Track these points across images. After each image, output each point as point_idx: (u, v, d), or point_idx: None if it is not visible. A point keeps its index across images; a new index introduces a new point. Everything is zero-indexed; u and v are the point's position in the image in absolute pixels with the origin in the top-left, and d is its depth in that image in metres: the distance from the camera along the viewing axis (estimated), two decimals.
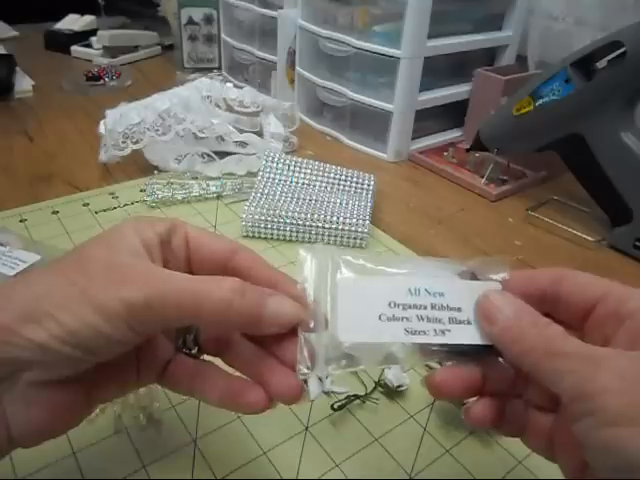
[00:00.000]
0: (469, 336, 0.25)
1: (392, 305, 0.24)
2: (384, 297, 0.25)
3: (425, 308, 0.25)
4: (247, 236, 0.56)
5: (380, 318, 0.24)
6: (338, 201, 0.58)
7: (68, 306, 0.22)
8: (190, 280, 0.24)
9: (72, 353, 0.22)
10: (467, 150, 0.73)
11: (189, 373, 0.28)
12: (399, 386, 0.38)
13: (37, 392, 0.23)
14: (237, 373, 0.28)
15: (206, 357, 0.29)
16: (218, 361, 0.28)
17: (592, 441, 0.20)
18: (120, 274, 0.23)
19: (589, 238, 0.59)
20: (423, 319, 0.24)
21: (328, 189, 0.61)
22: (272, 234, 0.56)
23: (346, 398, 0.37)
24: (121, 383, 0.27)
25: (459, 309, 0.25)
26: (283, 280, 0.27)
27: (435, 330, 0.24)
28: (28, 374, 0.23)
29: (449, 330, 0.25)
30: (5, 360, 0.22)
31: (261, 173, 0.61)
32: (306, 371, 0.24)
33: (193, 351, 0.28)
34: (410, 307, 0.25)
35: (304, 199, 0.58)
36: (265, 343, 0.27)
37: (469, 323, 0.25)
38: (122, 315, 0.22)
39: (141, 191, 0.63)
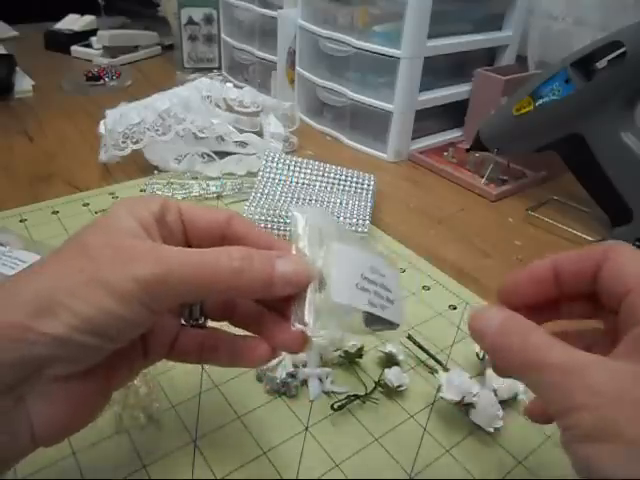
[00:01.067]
0: (395, 314, 0.27)
1: (363, 277, 0.26)
2: (360, 269, 0.27)
3: (377, 285, 0.27)
4: None
5: (357, 286, 0.26)
6: (338, 201, 0.58)
7: (80, 293, 0.21)
8: (198, 253, 0.23)
9: (90, 342, 0.22)
10: (467, 150, 0.73)
11: (197, 342, 0.28)
12: (399, 386, 0.38)
13: (58, 387, 0.23)
14: (241, 332, 0.28)
15: (212, 323, 0.29)
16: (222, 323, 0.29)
17: (571, 454, 0.20)
18: (127, 254, 0.22)
19: (589, 238, 0.59)
20: (377, 294, 0.27)
21: (328, 189, 0.61)
22: (272, 234, 0.56)
23: (346, 398, 0.37)
24: (130, 366, 0.27)
25: (391, 291, 0.28)
26: (280, 245, 0.27)
27: (382, 305, 0.27)
28: (49, 370, 0.22)
29: (387, 307, 0.27)
30: (24, 359, 0.21)
31: (261, 173, 0.61)
32: (300, 326, 0.25)
33: (200, 321, 0.28)
34: (370, 282, 0.27)
35: (304, 199, 0.58)
36: (267, 301, 0.27)
37: (392, 303, 0.27)
38: (136, 294, 0.22)
39: (141, 191, 0.63)
